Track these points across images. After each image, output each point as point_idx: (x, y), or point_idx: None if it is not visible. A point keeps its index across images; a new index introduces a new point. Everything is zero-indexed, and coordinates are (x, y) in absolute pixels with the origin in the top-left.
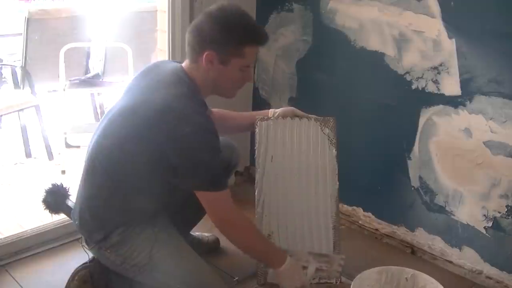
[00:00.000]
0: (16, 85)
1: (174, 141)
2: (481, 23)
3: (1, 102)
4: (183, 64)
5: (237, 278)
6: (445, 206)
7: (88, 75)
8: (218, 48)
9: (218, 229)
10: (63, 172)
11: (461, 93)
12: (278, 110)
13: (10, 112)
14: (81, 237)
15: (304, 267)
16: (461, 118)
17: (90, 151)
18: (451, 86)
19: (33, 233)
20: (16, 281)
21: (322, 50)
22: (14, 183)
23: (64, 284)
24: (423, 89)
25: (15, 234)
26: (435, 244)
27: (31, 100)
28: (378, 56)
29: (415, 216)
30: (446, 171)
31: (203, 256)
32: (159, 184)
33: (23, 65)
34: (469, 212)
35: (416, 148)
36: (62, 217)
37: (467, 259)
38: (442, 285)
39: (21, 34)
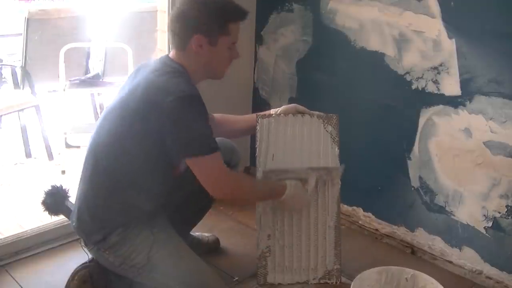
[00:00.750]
0: (16, 85)
1: (160, 112)
2: (481, 23)
3: (1, 102)
4: (170, 54)
5: (237, 278)
6: (445, 206)
7: (88, 75)
8: (205, 31)
9: (215, 194)
10: (63, 172)
11: (461, 93)
12: (280, 108)
13: (10, 112)
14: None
15: (304, 183)
16: (461, 118)
17: (87, 151)
18: (451, 86)
19: (33, 233)
20: (16, 281)
21: (322, 50)
22: (14, 183)
23: (64, 284)
24: (423, 89)
25: (15, 234)
26: (435, 244)
27: (31, 100)
28: (378, 56)
29: (415, 216)
30: (446, 171)
31: (203, 256)
32: (158, 179)
33: (23, 65)
34: (469, 212)
35: (416, 148)
36: (62, 217)
37: (467, 259)
38: (442, 285)
39: (21, 34)
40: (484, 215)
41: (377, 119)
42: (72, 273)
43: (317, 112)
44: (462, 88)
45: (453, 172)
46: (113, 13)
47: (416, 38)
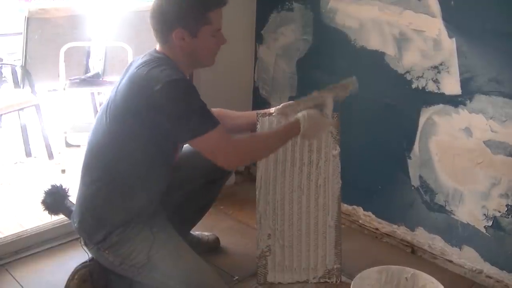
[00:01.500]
0: (16, 84)
1: (150, 103)
2: (481, 22)
3: (1, 101)
4: (156, 47)
5: (237, 277)
6: (445, 205)
7: (88, 74)
8: (185, 24)
9: (231, 166)
10: (63, 171)
11: (461, 92)
12: (280, 106)
13: (10, 112)
14: (81, 237)
15: (323, 107)
16: (461, 117)
17: (86, 150)
18: (451, 85)
19: (33, 233)
20: (16, 280)
21: (322, 49)
22: (14, 182)
23: (64, 283)
24: (423, 88)
25: (15, 233)
26: (435, 243)
27: (31, 99)
28: (378, 56)
29: (415, 215)
30: (446, 171)
31: (203, 255)
32: (156, 176)
33: (23, 65)
34: (469, 211)
35: (416, 147)
36: (62, 216)
37: (467, 258)
38: (442, 284)
39: (21, 33)
40: (484, 214)
41: (377, 118)
42: (72, 272)
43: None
44: (462, 87)
45: (453, 171)
46: (113, 12)
47: (416, 37)
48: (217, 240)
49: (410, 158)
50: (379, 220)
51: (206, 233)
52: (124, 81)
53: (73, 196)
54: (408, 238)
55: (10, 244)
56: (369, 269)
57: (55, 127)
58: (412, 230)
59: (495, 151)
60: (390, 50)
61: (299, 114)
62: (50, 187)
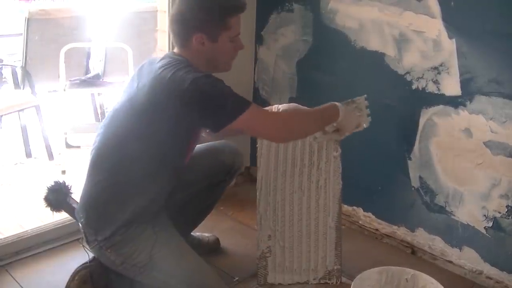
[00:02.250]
0: (16, 85)
1: (184, 98)
2: (481, 23)
3: (2, 102)
4: (174, 50)
5: (237, 278)
6: (445, 206)
7: (88, 75)
8: (204, 29)
9: (282, 139)
10: (63, 172)
11: (461, 93)
12: (281, 106)
13: (11, 112)
14: (82, 237)
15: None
16: (461, 118)
17: (95, 149)
18: (451, 86)
19: (34, 233)
20: (17, 281)
21: (322, 50)
22: (14, 183)
23: (64, 284)
24: (423, 89)
25: (16, 234)
26: (435, 244)
27: (31, 100)
28: (378, 56)
29: (415, 216)
30: (446, 171)
31: (203, 256)
32: (163, 179)
33: (24, 65)
34: (469, 212)
35: (416, 148)
36: (62, 217)
37: (467, 259)
38: (442, 285)
39: (22, 34)
40: (484, 215)
41: (377, 119)
42: (73, 273)
43: None
44: (462, 88)
45: (453, 172)
46: (113, 13)
47: (416, 38)
48: (217, 241)
49: (410, 159)
50: (379, 221)
51: (206, 234)
52: (143, 82)
53: (75, 194)
54: (408, 239)
55: (11, 245)
56: (369, 270)
57: (55, 128)
58: (412, 231)
59: (495, 151)
60: (390, 51)
61: (338, 103)
62: (53, 184)
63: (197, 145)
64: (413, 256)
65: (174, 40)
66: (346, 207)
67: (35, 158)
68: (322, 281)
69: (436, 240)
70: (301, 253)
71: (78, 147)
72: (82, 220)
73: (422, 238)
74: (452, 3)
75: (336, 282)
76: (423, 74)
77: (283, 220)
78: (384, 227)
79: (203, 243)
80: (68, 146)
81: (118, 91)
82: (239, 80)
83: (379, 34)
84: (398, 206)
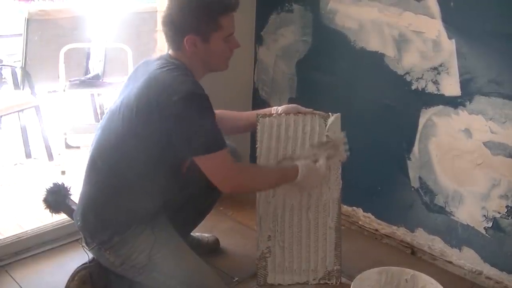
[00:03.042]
0: (16, 85)
1: (164, 111)
2: (481, 23)
3: (1, 102)
4: (169, 52)
5: (237, 278)
6: (445, 206)
7: (88, 76)
8: (195, 30)
9: (226, 190)
10: (63, 172)
11: (461, 93)
12: (281, 108)
13: (10, 113)
14: (81, 238)
15: (315, 161)
16: (461, 118)
17: (91, 151)
18: (451, 86)
19: (33, 234)
20: (16, 282)
21: (322, 50)
22: (14, 183)
23: (64, 285)
24: (423, 89)
25: (15, 234)
26: (435, 244)
27: (31, 100)
28: (378, 57)
29: (415, 216)
30: (446, 172)
31: (203, 256)
32: (161, 180)
33: (23, 66)
34: (469, 212)
35: (416, 148)
36: (62, 217)
37: (467, 259)
38: (442, 285)
39: (21, 34)
40: (484, 216)
41: (377, 119)
42: (72, 273)
43: (319, 112)
44: (462, 88)
45: (453, 173)
46: (113, 13)
47: (416, 39)
48: (217, 241)
49: (409, 159)
50: (379, 221)
51: (206, 235)
52: (138, 83)
53: (74, 195)
54: (408, 239)
55: (10, 245)
56: (369, 270)
57: (55, 128)
58: (412, 231)
59: (495, 152)
60: (389, 51)
61: (299, 163)
62: (52, 185)
63: None
64: (413, 256)
65: (167, 43)
66: (345, 208)
67: (34, 158)
68: (322, 282)
69: (436, 240)
70: (300, 253)
71: (78, 147)
72: (78, 223)
73: (421, 238)
74: (452, 4)
75: (336, 283)
76: (423, 75)
77: (282, 220)
78: (384, 227)
79: (203, 243)
80: (68, 146)
81: (117, 92)
82: (238, 81)
83: (379, 34)
84: (397, 207)
